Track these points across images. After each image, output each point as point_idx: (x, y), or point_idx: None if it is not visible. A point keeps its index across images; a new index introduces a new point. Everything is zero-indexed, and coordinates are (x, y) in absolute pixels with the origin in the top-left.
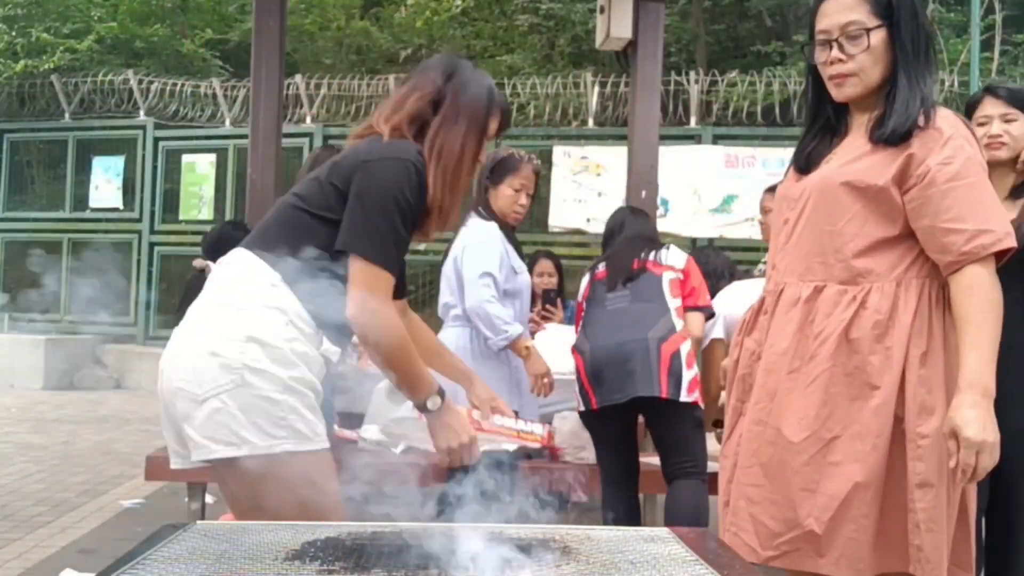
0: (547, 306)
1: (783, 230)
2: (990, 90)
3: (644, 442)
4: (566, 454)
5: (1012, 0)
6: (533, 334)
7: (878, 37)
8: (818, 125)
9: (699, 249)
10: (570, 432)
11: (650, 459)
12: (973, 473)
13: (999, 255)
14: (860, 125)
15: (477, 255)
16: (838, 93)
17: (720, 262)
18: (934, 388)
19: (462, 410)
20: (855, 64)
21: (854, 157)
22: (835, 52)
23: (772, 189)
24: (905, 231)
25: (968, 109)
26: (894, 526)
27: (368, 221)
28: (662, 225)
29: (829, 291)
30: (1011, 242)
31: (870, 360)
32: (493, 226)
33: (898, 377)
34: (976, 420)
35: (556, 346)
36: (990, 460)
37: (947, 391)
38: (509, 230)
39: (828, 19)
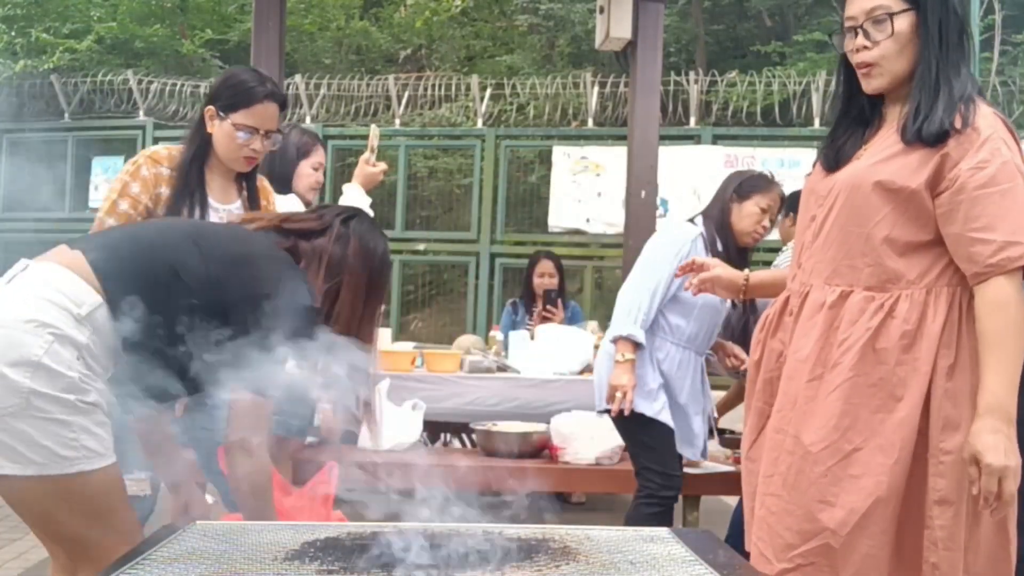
0: (548, 307)
1: (810, 227)
2: None
3: None
4: (565, 454)
5: (1012, 0)
6: (531, 333)
7: (904, 22)
8: (849, 118)
9: None
10: (569, 432)
11: None
12: (999, 500)
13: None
14: (894, 118)
15: (661, 246)
16: (867, 85)
17: None
18: (960, 402)
19: None
20: (879, 51)
21: (887, 156)
22: (860, 39)
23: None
24: (937, 236)
25: None
26: (910, 542)
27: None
28: (661, 225)
29: (856, 297)
30: None
31: (896, 371)
32: (695, 231)
33: (924, 389)
34: (997, 447)
35: (556, 346)
36: (1014, 484)
37: (973, 406)
38: (737, 249)
39: (855, 4)
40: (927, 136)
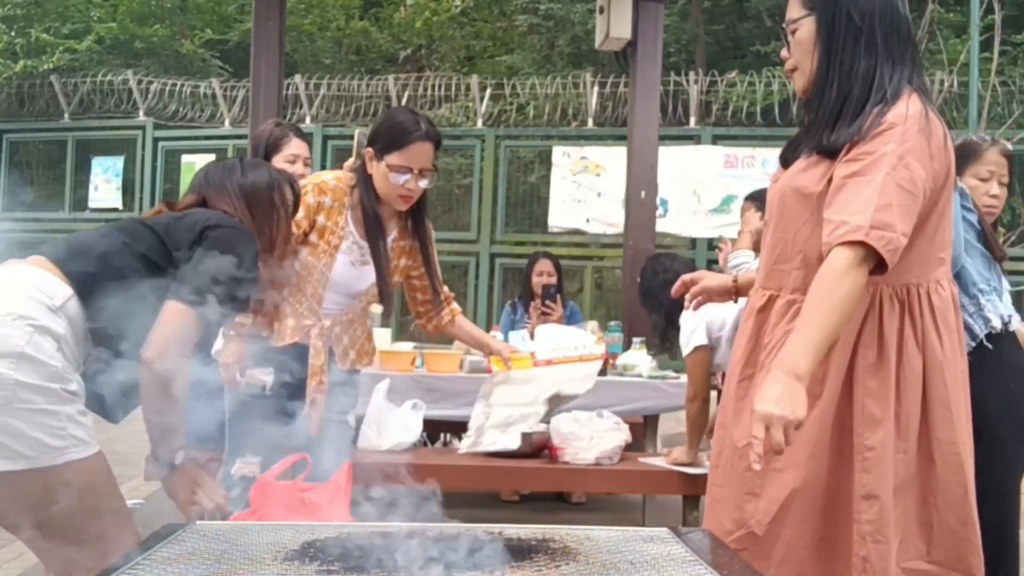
0: (546, 302)
1: (764, 233)
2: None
3: (645, 443)
4: (565, 454)
5: (1012, 0)
6: (531, 331)
7: (804, 29)
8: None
9: (655, 256)
10: (569, 432)
11: (650, 459)
12: (766, 447)
13: (880, 258)
14: None
15: None
16: (796, 87)
17: (679, 266)
18: (882, 399)
19: (204, 477)
20: (794, 59)
21: (808, 163)
22: (785, 49)
23: (751, 197)
24: None
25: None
26: (841, 536)
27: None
28: (661, 225)
29: (780, 301)
30: (859, 235)
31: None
32: None
33: (838, 387)
34: (769, 394)
35: (556, 346)
36: (779, 433)
37: (901, 401)
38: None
39: (786, 15)
40: (826, 152)
